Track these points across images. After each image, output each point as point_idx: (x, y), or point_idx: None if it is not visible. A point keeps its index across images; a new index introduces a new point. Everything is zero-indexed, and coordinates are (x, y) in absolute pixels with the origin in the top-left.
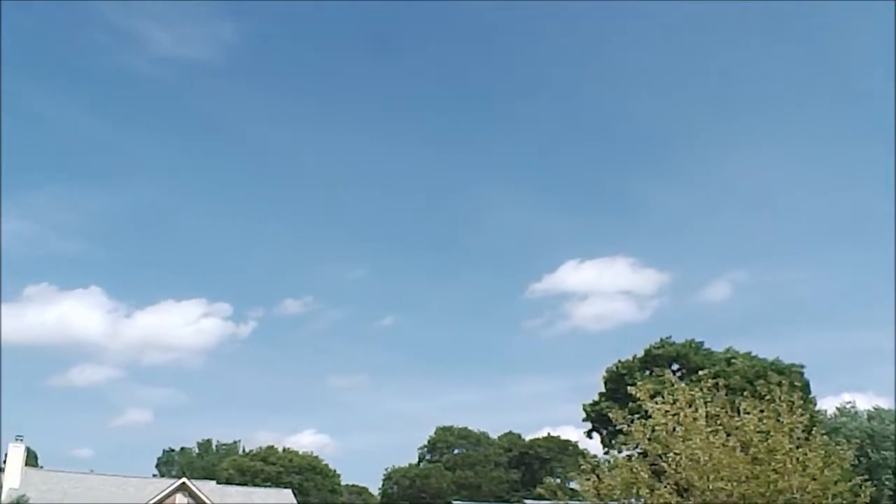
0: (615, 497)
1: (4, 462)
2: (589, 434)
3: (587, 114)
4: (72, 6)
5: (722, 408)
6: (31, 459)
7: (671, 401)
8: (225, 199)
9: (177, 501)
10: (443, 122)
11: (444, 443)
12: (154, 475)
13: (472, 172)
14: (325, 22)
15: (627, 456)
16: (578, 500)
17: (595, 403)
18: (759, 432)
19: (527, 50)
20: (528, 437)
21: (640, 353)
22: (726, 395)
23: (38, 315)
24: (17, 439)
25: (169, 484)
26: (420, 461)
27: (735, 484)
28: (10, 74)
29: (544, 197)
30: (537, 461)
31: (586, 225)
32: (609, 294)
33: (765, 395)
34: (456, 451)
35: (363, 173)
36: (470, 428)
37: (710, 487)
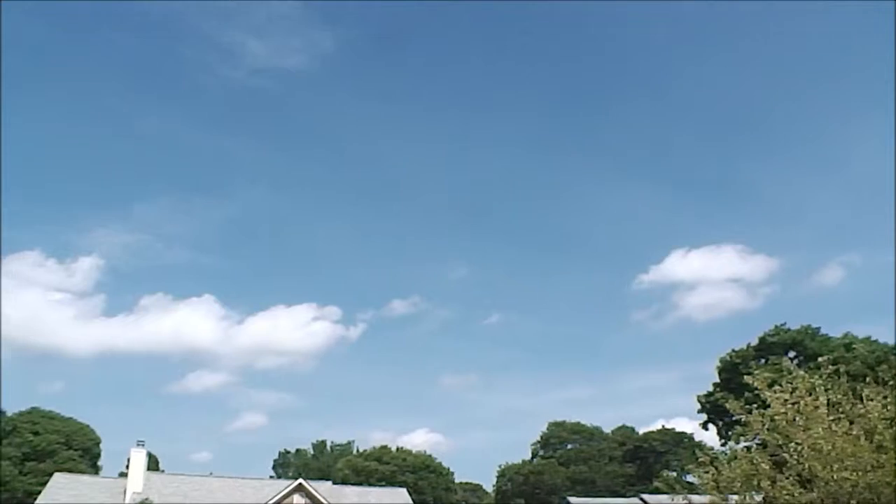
0: (735, 489)
1: (128, 467)
2: (704, 425)
3: (690, 100)
4: (172, 23)
5: (843, 395)
6: (153, 464)
7: (790, 389)
8: (329, 205)
9: (294, 502)
10: (546, 116)
11: (557, 438)
12: (271, 476)
13: (575, 164)
14: (422, 25)
15: (746, 447)
16: (697, 494)
17: (709, 394)
18: (883, 419)
19: (631, 39)
20: (641, 431)
21: (754, 342)
22: (847, 381)
23: (154, 324)
24: (138, 445)
25: (286, 485)
26: (533, 457)
27: (860, 473)
28: (117, 91)
29: (648, 187)
30: (652, 454)
31: (692, 213)
32: (718, 282)
33: (888, 381)
34: (569, 447)
35: (463, 170)
36: (582, 422)
37: (835, 478)
